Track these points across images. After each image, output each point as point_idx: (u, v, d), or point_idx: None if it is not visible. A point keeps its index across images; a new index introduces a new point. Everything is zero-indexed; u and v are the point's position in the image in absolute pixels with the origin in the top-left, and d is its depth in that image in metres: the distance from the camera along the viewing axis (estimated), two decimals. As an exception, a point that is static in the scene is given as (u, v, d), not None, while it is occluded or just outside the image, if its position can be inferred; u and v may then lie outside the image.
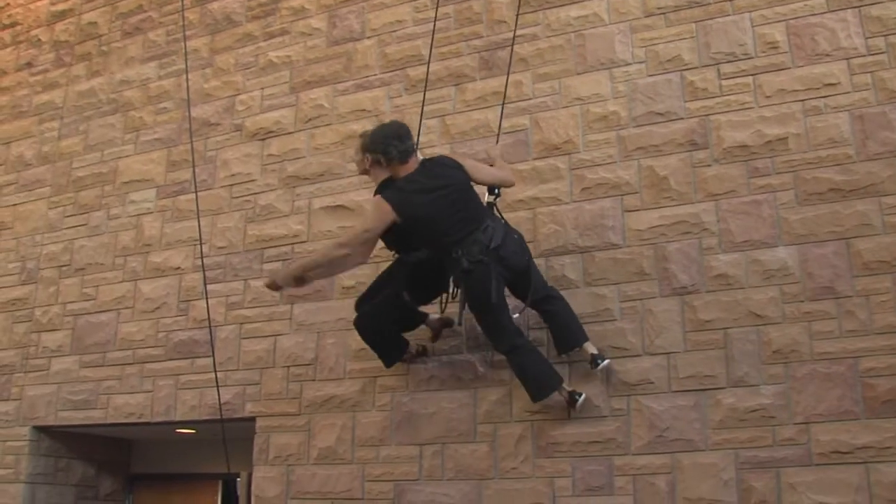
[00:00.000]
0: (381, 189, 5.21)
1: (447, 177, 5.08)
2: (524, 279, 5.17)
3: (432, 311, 5.65)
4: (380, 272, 5.77)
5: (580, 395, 5.24)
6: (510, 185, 5.51)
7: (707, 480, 4.99)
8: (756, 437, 4.96)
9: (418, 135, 5.77)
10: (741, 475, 4.94)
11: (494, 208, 5.33)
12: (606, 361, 5.22)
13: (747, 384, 5.06)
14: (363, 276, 6.18)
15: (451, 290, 5.32)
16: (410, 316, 5.60)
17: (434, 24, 6.23)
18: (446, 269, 5.11)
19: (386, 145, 5.09)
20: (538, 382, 5.23)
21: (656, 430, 5.18)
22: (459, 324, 5.38)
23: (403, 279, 5.36)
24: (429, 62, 6.22)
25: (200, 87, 7.35)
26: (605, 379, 5.34)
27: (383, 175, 5.27)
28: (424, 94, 6.08)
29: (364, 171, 5.49)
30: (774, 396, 4.99)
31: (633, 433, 5.23)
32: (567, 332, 5.29)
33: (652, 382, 5.26)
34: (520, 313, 5.29)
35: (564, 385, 5.27)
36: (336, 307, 6.26)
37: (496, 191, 5.35)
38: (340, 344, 6.18)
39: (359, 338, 6.04)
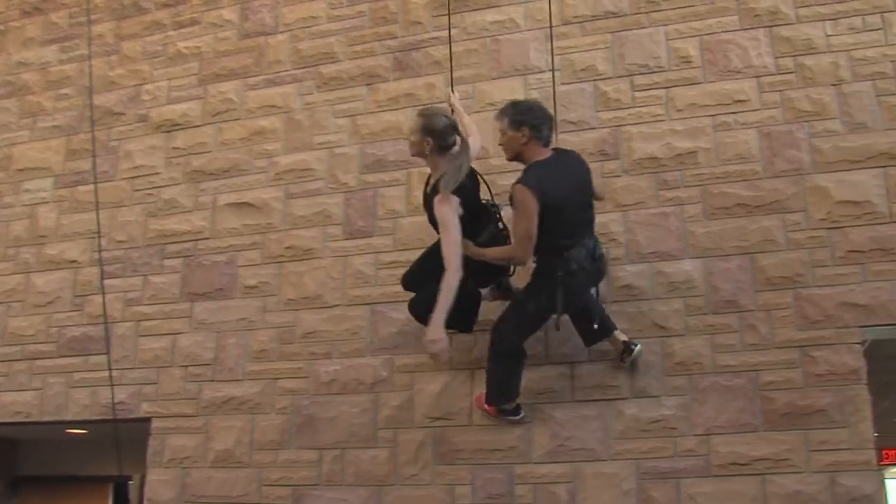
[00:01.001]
0: (446, 183, 4.74)
1: (582, 172, 4.83)
2: None
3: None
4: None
5: (521, 413, 5.21)
6: (602, 198, 5.32)
7: (608, 490, 5.01)
8: (657, 448, 5.00)
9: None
10: (642, 485, 4.97)
11: None
12: (638, 347, 5.06)
13: (650, 395, 5.09)
14: (267, 275, 6.08)
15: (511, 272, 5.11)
16: (467, 301, 5.15)
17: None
18: (548, 265, 4.74)
19: (541, 122, 4.69)
20: (507, 391, 5.09)
21: (558, 439, 5.17)
22: (558, 328, 4.93)
23: (465, 268, 4.83)
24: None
25: (104, 75, 7.10)
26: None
27: (443, 165, 4.86)
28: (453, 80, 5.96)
29: (419, 154, 4.96)
30: (676, 408, 5.04)
31: (534, 441, 5.22)
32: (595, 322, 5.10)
33: (555, 391, 5.26)
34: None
35: (515, 401, 5.18)
36: (238, 306, 6.11)
37: None
38: (241, 344, 6.03)
39: (261, 338, 5.96)
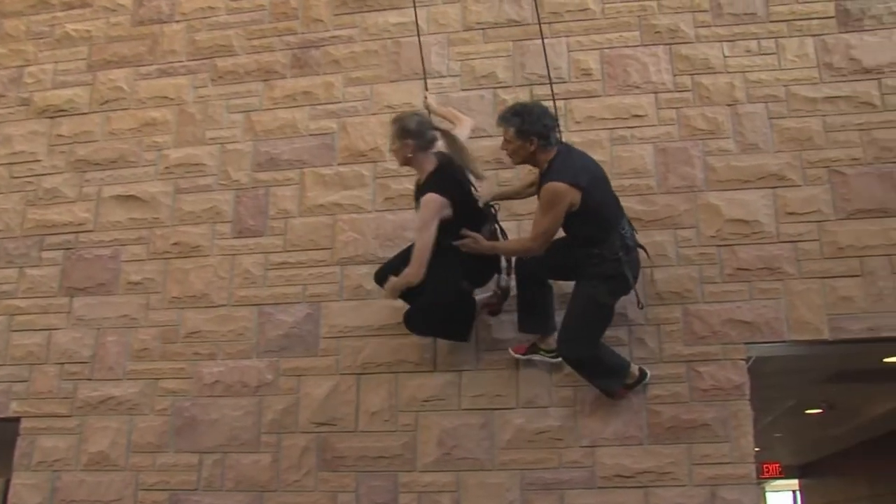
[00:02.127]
0: (432, 186, 4.69)
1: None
2: None
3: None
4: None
5: (647, 373, 4.99)
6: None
7: (492, 500, 4.98)
8: (542, 459, 4.99)
9: None
10: (526, 496, 4.95)
11: None
12: (559, 359, 4.99)
13: (537, 406, 5.08)
14: (151, 272, 5.88)
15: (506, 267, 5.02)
16: (464, 304, 5.03)
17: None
18: (609, 249, 4.59)
19: (549, 130, 4.57)
20: (617, 372, 4.92)
21: (444, 448, 5.13)
22: (642, 306, 4.82)
23: (456, 266, 4.77)
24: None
25: (-17, 53, 6.78)
26: (395, 393, 5.28)
27: (430, 165, 4.81)
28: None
29: (406, 162, 4.89)
30: (563, 419, 5.04)
31: (420, 449, 5.16)
32: (547, 318, 5.05)
33: (442, 399, 5.22)
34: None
35: (632, 369, 4.96)
36: (119, 302, 5.88)
37: None
38: (122, 342, 5.80)
39: (142, 337, 5.76)
